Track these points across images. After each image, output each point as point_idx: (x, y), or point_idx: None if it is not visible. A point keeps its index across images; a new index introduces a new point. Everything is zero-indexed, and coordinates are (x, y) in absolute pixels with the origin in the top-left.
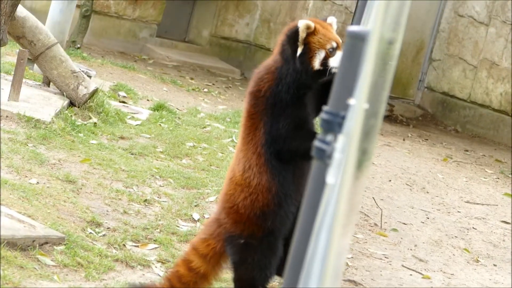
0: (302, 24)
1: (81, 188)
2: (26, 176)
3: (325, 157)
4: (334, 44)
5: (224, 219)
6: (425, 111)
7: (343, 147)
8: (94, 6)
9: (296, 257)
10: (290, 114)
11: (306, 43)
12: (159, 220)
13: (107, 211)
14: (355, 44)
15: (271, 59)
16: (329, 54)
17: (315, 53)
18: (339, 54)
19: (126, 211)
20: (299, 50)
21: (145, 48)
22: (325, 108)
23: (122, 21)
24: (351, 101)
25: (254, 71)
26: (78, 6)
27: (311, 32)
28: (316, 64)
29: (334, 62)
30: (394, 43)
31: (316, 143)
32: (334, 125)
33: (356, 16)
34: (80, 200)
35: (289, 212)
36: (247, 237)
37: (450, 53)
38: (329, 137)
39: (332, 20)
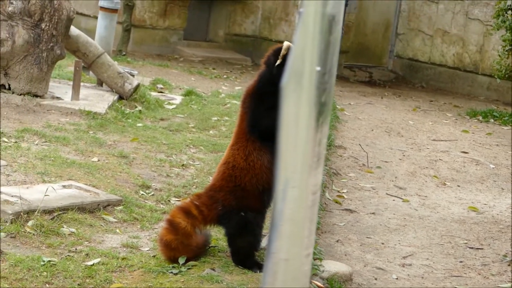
0: (285, 44)
1: (132, 161)
2: (89, 156)
3: None
4: None
5: (224, 196)
6: (397, 74)
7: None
8: (132, 22)
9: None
10: (267, 100)
11: (285, 58)
12: (195, 179)
13: (154, 176)
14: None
15: (258, 72)
16: None
17: None
18: None
19: (168, 175)
20: (278, 61)
21: (176, 50)
22: None
23: (156, 30)
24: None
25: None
26: (120, 22)
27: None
28: None
29: None
30: (336, 19)
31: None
32: None
33: None
34: (132, 170)
35: None
36: (247, 211)
37: (411, 27)
38: None
39: None
